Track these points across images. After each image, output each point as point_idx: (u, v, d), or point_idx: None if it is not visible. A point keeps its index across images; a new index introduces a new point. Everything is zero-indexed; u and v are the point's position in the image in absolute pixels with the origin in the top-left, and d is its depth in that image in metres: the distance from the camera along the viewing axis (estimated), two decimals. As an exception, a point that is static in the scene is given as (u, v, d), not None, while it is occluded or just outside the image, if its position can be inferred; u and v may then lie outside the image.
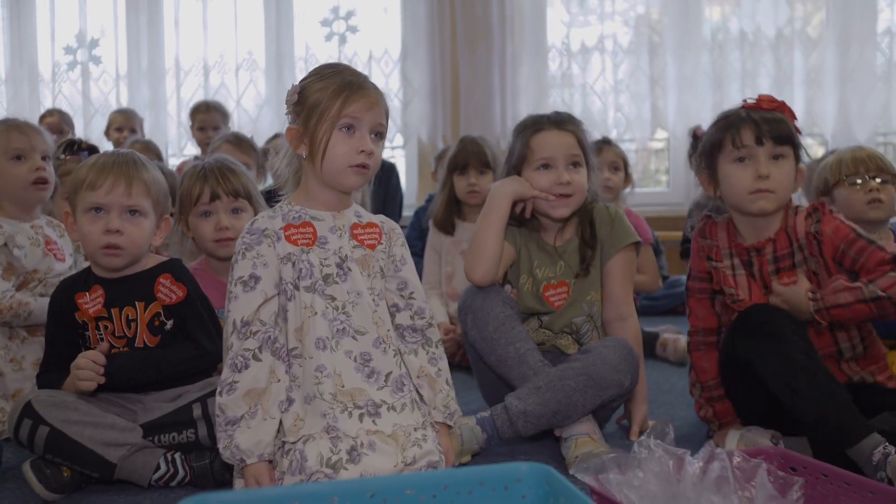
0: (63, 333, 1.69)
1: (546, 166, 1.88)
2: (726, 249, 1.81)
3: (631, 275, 1.97)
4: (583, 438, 1.69)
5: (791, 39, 4.42)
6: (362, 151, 1.47)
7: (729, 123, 1.76)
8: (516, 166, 1.93)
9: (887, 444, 1.56)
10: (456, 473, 0.98)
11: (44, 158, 2.11)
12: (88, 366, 1.58)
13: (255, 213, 2.01)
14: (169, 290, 1.69)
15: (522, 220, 1.95)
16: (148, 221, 1.68)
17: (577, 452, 1.66)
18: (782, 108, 1.78)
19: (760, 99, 1.78)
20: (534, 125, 1.92)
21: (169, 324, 1.69)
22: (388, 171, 4.00)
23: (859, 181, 2.24)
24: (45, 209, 2.25)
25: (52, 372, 1.67)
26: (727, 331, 1.78)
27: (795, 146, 1.76)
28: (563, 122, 1.92)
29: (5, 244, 2.02)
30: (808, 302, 1.67)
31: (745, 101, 1.80)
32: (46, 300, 1.80)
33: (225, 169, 2.02)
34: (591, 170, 1.93)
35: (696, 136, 1.88)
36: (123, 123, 4.19)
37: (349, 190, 1.54)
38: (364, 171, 1.49)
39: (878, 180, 2.25)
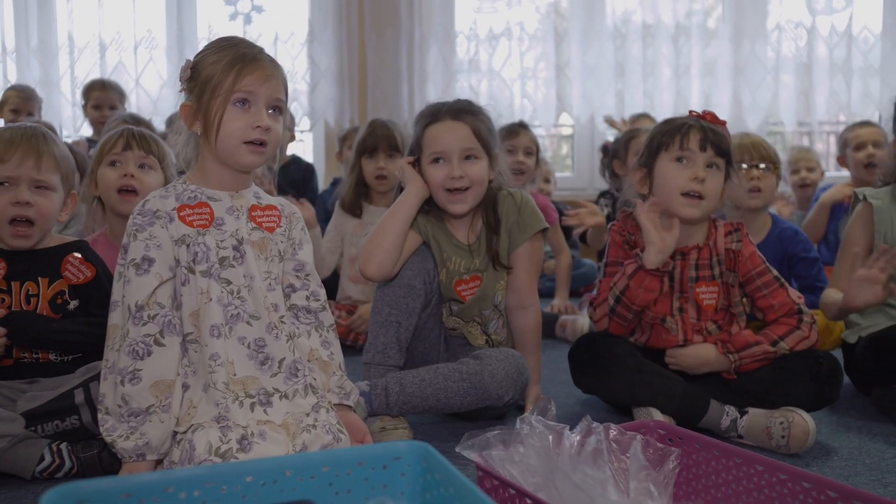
0: None
1: (438, 160, 1.84)
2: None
3: (538, 263, 1.96)
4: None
5: (690, 32, 4.59)
6: (258, 127, 1.40)
7: (678, 126, 1.82)
8: (415, 154, 1.90)
9: (730, 409, 1.71)
10: (334, 454, 0.98)
11: None
12: None
13: (165, 177, 2.03)
14: (77, 270, 1.67)
15: (431, 204, 1.90)
16: (57, 196, 1.67)
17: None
18: (723, 126, 1.85)
19: (705, 113, 1.85)
20: (430, 116, 1.88)
21: (73, 304, 1.66)
22: (308, 173, 3.95)
23: (744, 166, 2.31)
24: None
25: None
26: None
27: (728, 163, 1.83)
28: (460, 112, 1.86)
29: None
30: (721, 359, 1.77)
31: (691, 111, 1.88)
32: None
33: (145, 132, 2.07)
34: (493, 160, 1.88)
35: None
36: (20, 105, 3.77)
37: (245, 169, 1.48)
38: (261, 150, 1.43)
39: (761, 167, 2.33)
